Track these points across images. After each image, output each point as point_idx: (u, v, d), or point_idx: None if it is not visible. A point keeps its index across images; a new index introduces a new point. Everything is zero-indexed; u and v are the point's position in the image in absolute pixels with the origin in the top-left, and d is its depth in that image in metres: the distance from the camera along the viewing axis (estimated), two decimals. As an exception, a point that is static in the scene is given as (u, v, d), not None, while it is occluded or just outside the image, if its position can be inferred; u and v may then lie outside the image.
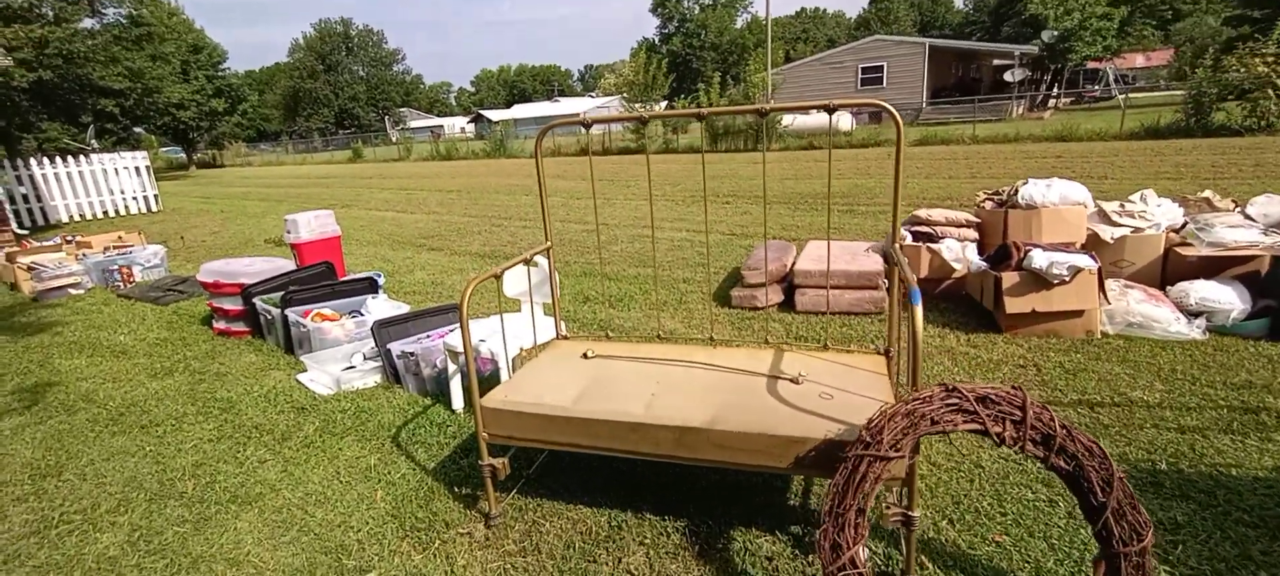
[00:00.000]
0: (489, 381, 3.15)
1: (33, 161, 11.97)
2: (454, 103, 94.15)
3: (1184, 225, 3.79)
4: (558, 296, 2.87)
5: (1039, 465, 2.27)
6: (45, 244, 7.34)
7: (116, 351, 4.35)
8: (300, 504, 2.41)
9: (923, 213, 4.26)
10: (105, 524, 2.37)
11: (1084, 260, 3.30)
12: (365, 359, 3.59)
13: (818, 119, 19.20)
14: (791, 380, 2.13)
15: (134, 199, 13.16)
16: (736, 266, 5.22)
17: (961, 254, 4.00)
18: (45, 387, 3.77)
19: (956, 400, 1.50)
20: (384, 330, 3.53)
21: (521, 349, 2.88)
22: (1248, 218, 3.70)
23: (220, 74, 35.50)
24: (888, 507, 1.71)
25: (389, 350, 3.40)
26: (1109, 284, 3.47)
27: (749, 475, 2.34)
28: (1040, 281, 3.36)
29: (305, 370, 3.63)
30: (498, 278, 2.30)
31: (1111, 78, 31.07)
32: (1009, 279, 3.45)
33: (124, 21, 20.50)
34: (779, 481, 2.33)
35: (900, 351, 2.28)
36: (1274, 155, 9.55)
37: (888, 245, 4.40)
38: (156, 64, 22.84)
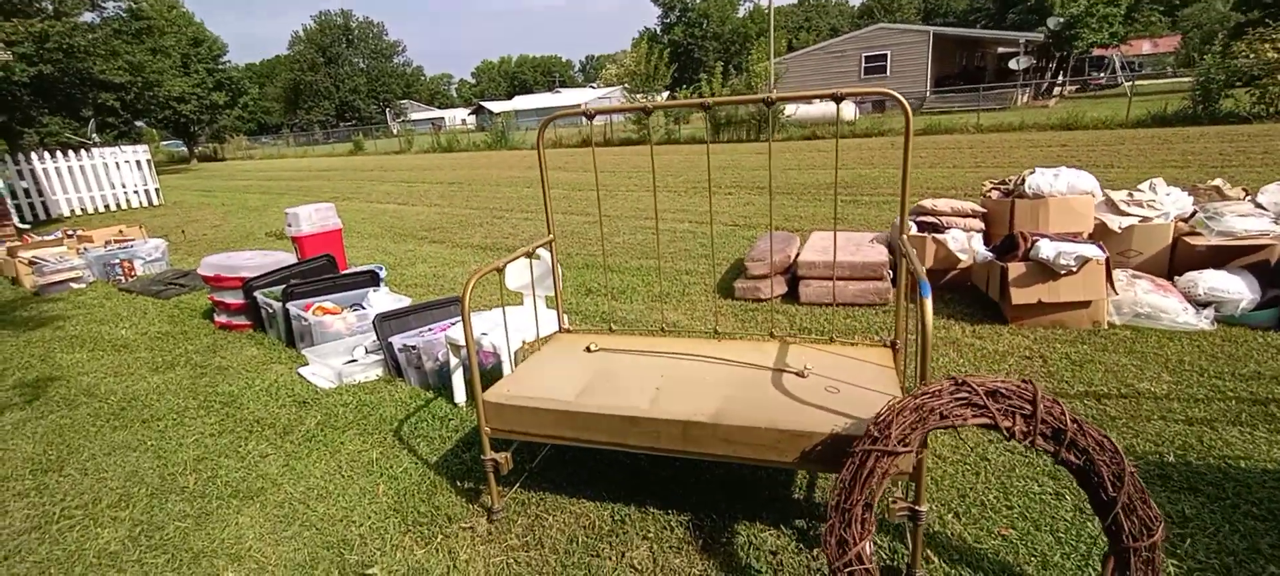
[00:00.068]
0: (491, 375, 3.14)
1: (34, 156, 11.96)
2: (455, 94, 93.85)
3: (1193, 214, 3.74)
4: (560, 289, 2.85)
5: (1045, 458, 2.25)
6: (46, 238, 7.33)
7: (118, 345, 4.35)
8: (302, 498, 2.40)
9: (928, 203, 4.21)
10: (106, 519, 2.37)
11: (1092, 250, 3.26)
12: (367, 352, 3.57)
13: (821, 109, 19.08)
14: (797, 373, 2.10)
15: (135, 193, 13.15)
16: (739, 257, 5.19)
17: (967, 244, 3.96)
18: (47, 382, 3.76)
19: (966, 394, 1.47)
20: (386, 323, 3.51)
21: (524, 342, 2.86)
22: (1258, 206, 3.65)
23: (220, 67, 35.37)
24: (894, 502, 1.69)
25: (391, 343, 3.39)
26: (1116, 274, 3.43)
27: (753, 469, 2.32)
28: (1047, 272, 3.32)
29: (307, 364, 3.62)
30: (500, 271, 2.27)
31: (1118, 65, 30.79)
32: (1015, 269, 3.41)
33: (124, 15, 20.44)
34: (783, 475, 2.31)
35: (907, 344, 2.25)
36: (1282, 143, 9.45)
37: (895, 236, 4.37)
38: (157, 57, 22.77)
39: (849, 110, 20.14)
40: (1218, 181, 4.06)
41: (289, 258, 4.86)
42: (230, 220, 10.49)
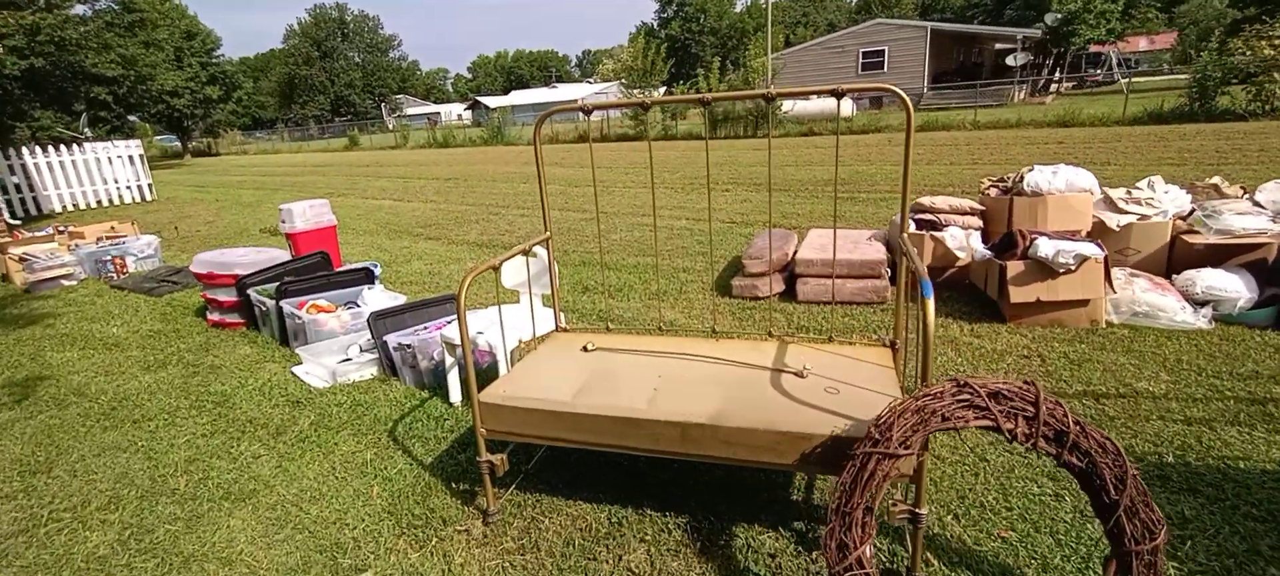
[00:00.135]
0: (487, 374, 3.11)
1: (25, 150, 11.85)
2: (451, 89, 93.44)
3: (1191, 212, 3.73)
4: (557, 287, 2.82)
5: (1045, 459, 2.24)
6: (38, 234, 7.26)
7: (109, 344, 4.30)
8: (295, 500, 2.37)
9: (926, 200, 4.19)
10: (95, 522, 2.33)
11: (1090, 248, 3.25)
12: (361, 351, 3.54)
13: (819, 105, 19.04)
14: (796, 373, 2.08)
15: (128, 188, 13.05)
16: (737, 255, 5.16)
17: (965, 242, 3.95)
18: (36, 381, 3.72)
19: (968, 396, 1.45)
20: (380, 321, 3.48)
21: (520, 341, 2.83)
22: (1256, 204, 3.64)
23: (214, 61, 35.13)
24: (894, 504, 1.67)
25: (386, 342, 3.36)
26: (1115, 272, 3.42)
27: (751, 470, 2.30)
28: (1046, 270, 3.31)
29: (300, 362, 3.59)
30: (496, 269, 2.24)
31: (1114, 61, 30.83)
32: (1014, 267, 3.40)
33: (116, 8, 20.26)
34: (782, 476, 2.29)
35: (908, 344, 2.23)
36: (1279, 140, 9.47)
37: (893, 234, 4.35)
38: (150, 51, 22.59)
39: (846, 106, 20.12)
40: (1216, 179, 4.05)
41: (283, 254, 4.81)
42: (224, 216, 10.42)
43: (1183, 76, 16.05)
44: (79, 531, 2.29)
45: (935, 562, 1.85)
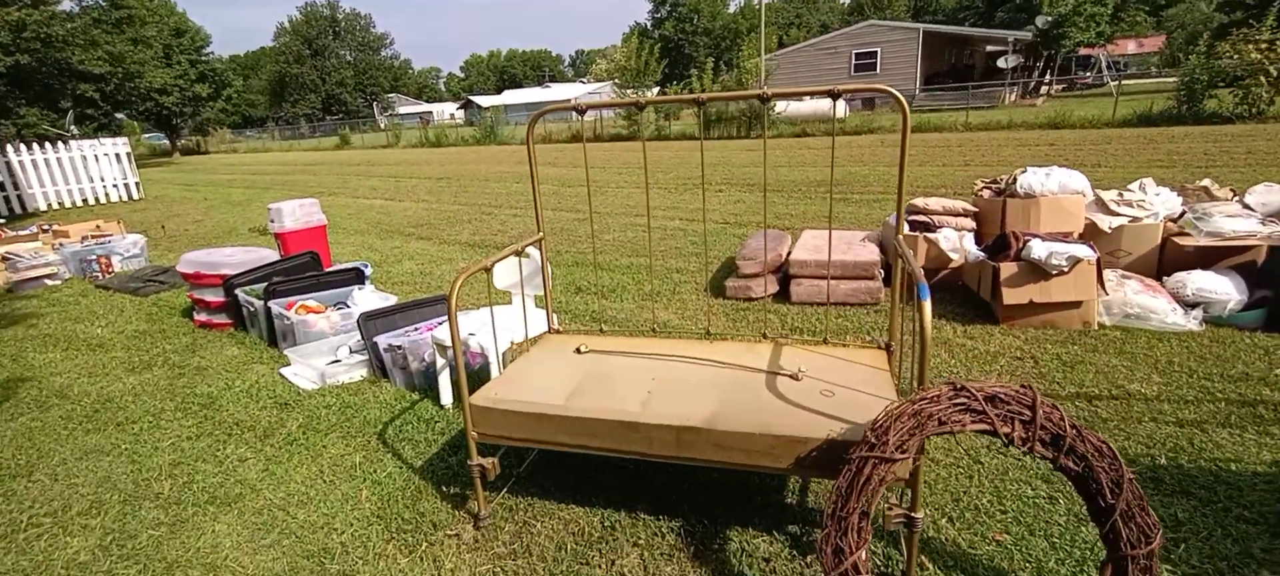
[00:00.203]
0: (479, 376, 3.08)
1: (10, 148, 11.66)
2: (443, 88, 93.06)
3: (1182, 214, 3.75)
4: (550, 288, 2.79)
5: (1039, 461, 2.23)
6: (21, 233, 7.14)
7: (93, 344, 4.23)
8: (282, 504, 2.33)
9: (919, 201, 4.20)
10: (76, 527, 2.28)
11: (1083, 250, 3.26)
12: (351, 352, 3.50)
13: (811, 106, 19.09)
14: (791, 376, 2.06)
15: (114, 186, 12.88)
16: (730, 256, 5.15)
17: (959, 243, 3.95)
18: (17, 383, 3.64)
19: (965, 400, 1.44)
20: (370, 322, 3.44)
21: (512, 342, 2.81)
22: (1246, 207, 3.67)
23: (204, 58, 34.79)
24: (890, 508, 1.66)
25: (376, 343, 3.31)
26: (1107, 274, 3.43)
27: (746, 473, 2.28)
28: (1039, 272, 3.32)
29: (289, 364, 3.54)
30: (488, 270, 2.21)
31: (1104, 64, 31.11)
32: (1007, 269, 3.40)
33: (103, 4, 20.02)
34: (776, 479, 2.27)
35: (902, 346, 2.22)
36: (1265, 143, 9.58)
37: (887, 235, 4.35)
38: (138, 48, 22.31)
39: (839, 107, 20.19)
40: (1206, 182, 4.08)
41: (272, 254, 4.75)
42: (212, 215, 10.30)
43: (1171, 79, 16.22)
44: (59, 536, 2.24)
45: (930, 566, 1.83)
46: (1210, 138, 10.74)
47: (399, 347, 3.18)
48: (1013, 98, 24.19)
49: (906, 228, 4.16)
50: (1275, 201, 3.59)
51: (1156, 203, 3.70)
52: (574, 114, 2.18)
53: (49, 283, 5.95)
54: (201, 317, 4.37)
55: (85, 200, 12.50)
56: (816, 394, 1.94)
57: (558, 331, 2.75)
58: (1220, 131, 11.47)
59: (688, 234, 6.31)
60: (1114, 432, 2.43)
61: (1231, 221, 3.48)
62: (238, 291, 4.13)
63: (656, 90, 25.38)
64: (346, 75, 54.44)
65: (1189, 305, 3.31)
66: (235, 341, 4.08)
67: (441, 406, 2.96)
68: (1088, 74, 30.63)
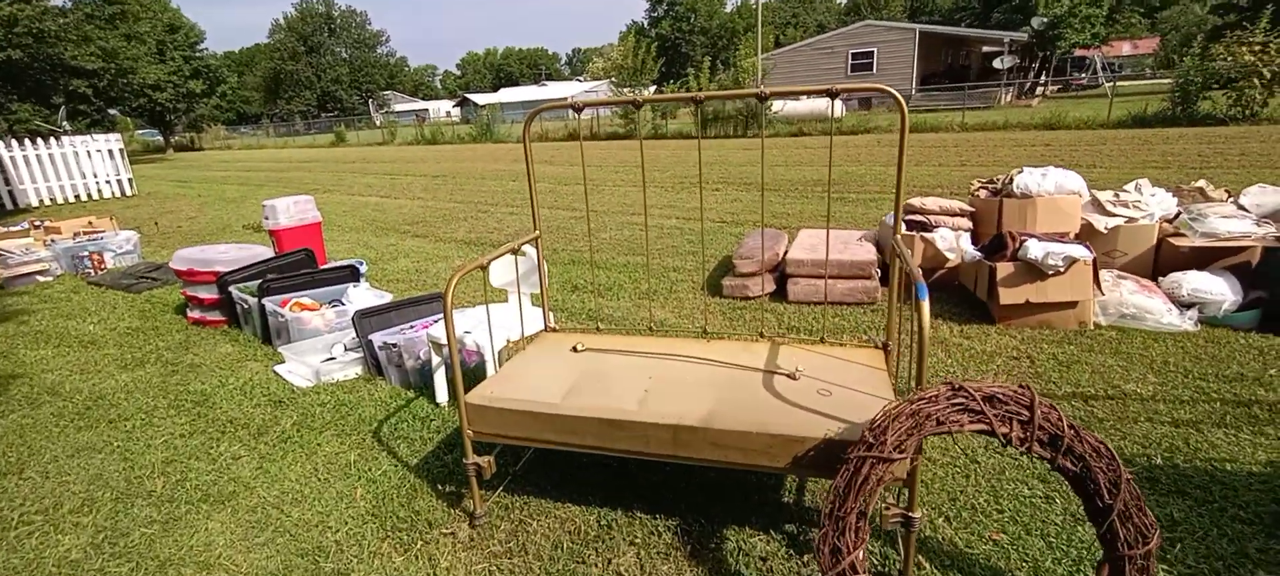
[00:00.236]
0: (474, 374, 3.06)
1: (1, 143, 11.57)
2: (439, 86, 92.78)
3: (1177, 215, 3.77)
4: (546, 286, 2.78)
5: (1036, 461, 2.24)
6: (13, 229, 7.08)
7: (85, 341, 4.19)
8: (276, 503, 2.32)
9: (916, 201, 4.20)
10: (68, 525, 2.26)
11: (1079, 250, 3.26)
12: (346, 350, 3.48)
13: (808, 105, 19.11)
14: (788, 375, 2.06)
15: (107, 182, 12.79)
16: (727, 255, 5.15)
17: (955, 243, 3.96)
18: (8, 380, 3.61)
19: (963, 400, 1.43)
20: (365, 320, 3.42)
21: (508, 341, 2.79)
22: (1241, 208, 3.68)
23: (198, 54, 34.58)
24: (887, 508, 1.66)
25: (371, 341, 3.30)
26: (1102, 275, 3.44)
27: (742, 472, 2.28)
28: (1035, 272, 3.32)
29: (283, 361, 3.51)
30: (484, 268, 2.20)
31: (1099, 66, 31.25)
32: (1004, 269, 3.41)
33: (96, -1, 19.86)
34: (773, 478, 2.27)
35: (899, 345, 2.22)
36: (1258, 144, 9.64)
37: (886, 235, 4.35)
38: (131, 43, 22.17)
39: (835, 107, 20.20)
40: (1201, 183, 4.09)
41: (266, 251, 4.72)
42: (206, 212, 10.24)
43: (1165, 81, 16.29)
44: (51, 534, 2.21)
45: (927, 565, 1.83)
46: (1204, 139, 10.80)
47: (394, 345, 3.16)
48: (1008, 98, 24.27)
49: (903, 227, 4.16)
50: (1270, 202, 3.61)
51: (1152, 203, 3.71)
52: (571, 112, 2.17)
53: (40, 279, 5.90)
54: (195, 315, 4.34)
55: (77, 196, 12.40)
56: (814, 393, 1.94)
57: (554, 330, 2.73)
58: (1214, 133, 11.53)
59: (684, 232, 6.30)
60: (1110, 432, 2.44)
61: (1226, 222, 3.49)
62: (232, 288, 4.11)
63: (653, 89, 25.37)
64: (342, 72, 54.22)
65: (1184, 305, 3.32)
66: (229, 338, 4.05)
67: (437, 404, 2.94)
68: (1083, 75, 30.76)
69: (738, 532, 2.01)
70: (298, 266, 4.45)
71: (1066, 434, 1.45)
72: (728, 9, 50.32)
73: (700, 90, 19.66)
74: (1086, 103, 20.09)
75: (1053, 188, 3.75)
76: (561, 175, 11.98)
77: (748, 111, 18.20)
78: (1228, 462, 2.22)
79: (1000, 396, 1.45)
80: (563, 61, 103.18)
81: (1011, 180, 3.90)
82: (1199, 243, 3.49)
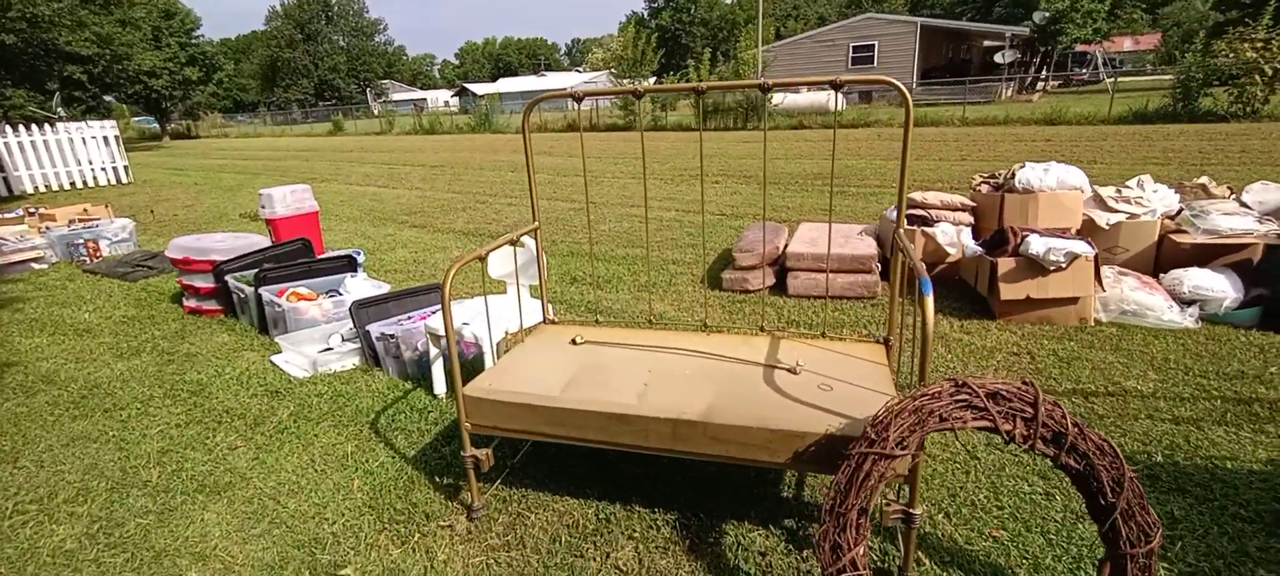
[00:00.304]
0: (472, 365, 3.05)
1: (-6, 129, 11.47)
2: (438, 75, 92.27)
3: (1179, 212, 3.75)
4: (545, 278, 2.76)
5: (1036, 457, 2.23)
6: (7, 216, 7.02)
7: (80, 330, 4.16)
8: (272, 493, 2.30)
9: (918, 195, 4.18)
10: (62, 514, 2.24)
11: (1081, 246, 3.25)
12: (343, 340, 3.45)
13: (809, 98, 19.04)
14: (789, 370, 2.04)
15: (103, 170, 12.70)
16: (726, 248, 5.12)
17: (956, 238, 3.94)
18: (2, 368, 3.58)
19: (966, 396, 1.42)
20: (363, 311, 3.39)
21: (507, 333, 2.77)
22: (1243, 205, 3.67)
23: (194, 41, 34.28)
24: (887, 504, 1.65)
25: (368, 332, 3.27)
26: (1104, 271, 3.43)
27: (742, 466, 2.27)
28: (1036, 267, 3.31)
29: (280, 351, 3.49)
30: (483, 259, 2.18)
31: (1100, 61, 31.16)
32: (1005, 264, 3.39)
33: (91, -17, 19.60)
34: (772, 473, 2.26)
35: (901, 340, 2.20)
36: (1259, 142, 9.62)
37: (887, 229, 4.33)
38: (126, 29, 21.92)
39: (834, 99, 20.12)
40: (1203, 179, 4.08)
41: (263, 240, 4.69)
42: (203, 200, 10.18)
43: (1166, 77, 16.25)
44: (45, 524, 2.20)
45: (927, 562, 1.83)
46: (1205, 136, 10.78)
47: (392, 336, 3.14)
48: (1009, 93, 24.20)
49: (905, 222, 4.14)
50: (1272, 199, 3.59)
51: (1154, 199, 3.70)
52: (570, 103, 2.14)
53: (35, 266, 5.86)
54: (191, 304, 4.31)
55: (72, 183, 12.31)
56: (814, 388, 1.93)
57: (553, 322, 2.71)
58: (1215, 130, 11.51)
59: (684, 225, 6.28)
60: (1110, 429, 2.43)
61: (1228, 219, 3.48)
62: (228, 277, 4.08)
63: (653, 80, 25.24)
64: (339, 60, 53.84)
65: (1185, 302, 3.31)
66: (225, 328, 4.02)
67: (434, 396, 2.93)
68: (1084, 70, 30.69)
69: (736, 527, 2.00)
70: (295, 256, 4.42)
71: (1070, 431, 1.43)
72: (728, 1, 50.03)
73: (701, 82, 19.57)
74: (1087, 98, 20.04)
75: (1055, 183, 3.73)
76: (560, 166, 11.92)
77: (748, 104, 18.12)
78: (1228, 460, 2.21)
79: (1004, 393, 1.44)
80: (562, 52, 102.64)
81: (1013, 175, 3.88)
82: (1201, 239, 3.48)
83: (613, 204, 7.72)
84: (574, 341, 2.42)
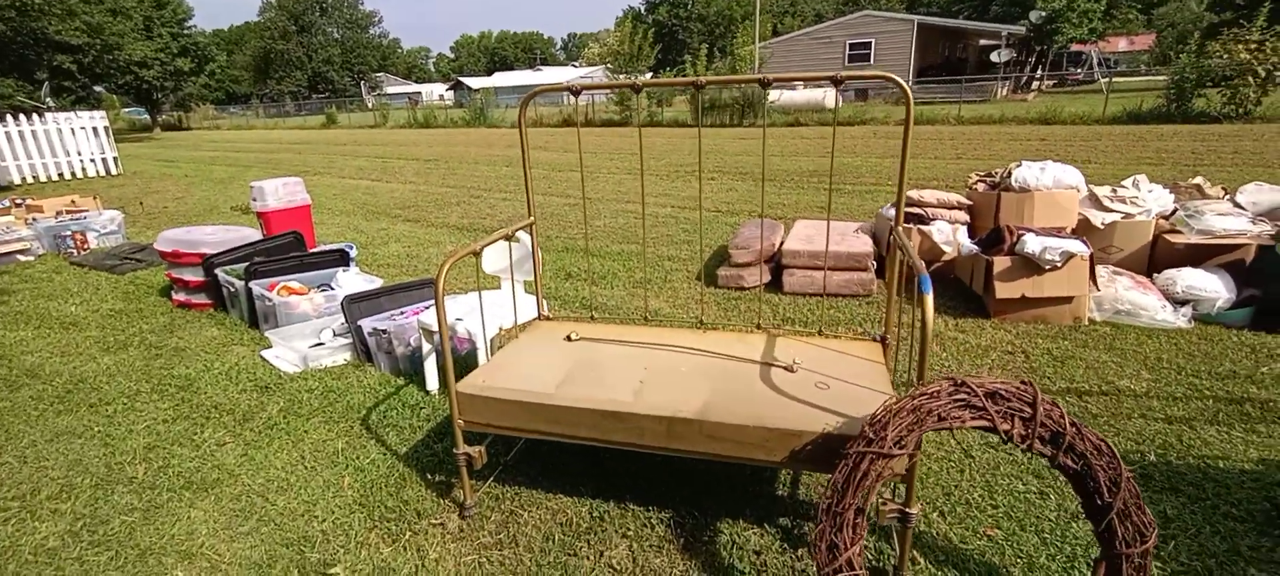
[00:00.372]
0: (466, 361, 3.02)
1: (-19, 118, 11.30)
2: (433, 69, 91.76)
3: (1174, 211, 3.76)
4: (540, 274, 2.73)
5: (1029, 455, 2.22)
6: (-7, 206, 6.92)
7: (66, 323, 4.10)
8: (261, 491, 2.27)
9: (914, 193, 4.17)
10: (45, 511, 2.20)
11: (1077, 245, 3.25)
12: (334, 335, 3.42)
13: (805, 95, 19.03)
14: (785, 367, 2.03)
15: (92, 161, 12.53)
16: (722, 244, 5.11)
17: (952, 236, 3.93)
18: (-13, 361, 3.53)
19: (965, 395, 1.41)
20: (355, 305, 3.36)
21: (501, 329, 2.75)
22: (1237, 205, 3.67)
23: (186, 32, 33.83)
24: (883, 503, 1.63)
25: (360, 327, 3.24)
26: (1098, 270, 3.43)
27: (737, 464, 2.26)
28: (1032, 266, 3.31)
29: (270, 346, 3.45)
30: (477, 254, 2.15)
31: (1095, 61, 31.29)
32: (1000, 263, 3.39)
33: (80, -29, 19.34)
34: (767, 471, 2.25)
35: (898, 339, 2.19)
36: (1251, 143, 9.68)
37: (882, 226, 4.32)
38: (117, 19, 21.66)
39: (831, 97, 20.13)
40: (1198, 180, 4.09)
41: (254, 233, 4.63)
42: (193, 192, 10.07)
43: (1161, 78, 16.32)
44: (27, 521, 2.16)
45: (922, 561, 1.82)
46: (1198, 137, 10.83)
47: (384, 331, 3.11)
48: (1004, 92, 24.26)
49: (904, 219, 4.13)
50: (1266, 200, 3.60)
51: (1149, 199, 3.70)
52: (565, 98, 2.11)
53: (21, 258, 5.78)
54: (180, 297, 4.26)
55: (61, 174, 12.16)
56: (811, 386, 1.91)
57: (548, 318, 2.69)
58: (1208, 131, 11.57)
59: (679, 221, 6.25)
60: (1104, 428, 2.43)
61: (1222, 220, 3.49)
62: (218, 271, 4.03)
63: (649, 76, 25.16)
64: (333, 53, 53.35)
65: (1178, 302, 3.32)
66: (215, 322, 3.98)
67: (427, 392, 2.90)
68: (1079, 70, 30.81)
69: (731, 526, 1.98)
70: (286, 249, 4.37)
71: (1068, 431, 1.42)
72: (725, -4, 49.86)
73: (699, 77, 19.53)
74: (1082, 98, 20.11)
75: (1051, 182, 3.73)
76: (555, 161, 11.87)
77: (744, 100, 18.09)
78: (1220, 460, 2.22)
79: (1003, 392, 1.43)
80: (558, 46, 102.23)
81: (1010, 173, 3.88)
82: (1194, 239, 3.49)
83: (608, 199, 7.68)
84: (569, 338, 2.40)
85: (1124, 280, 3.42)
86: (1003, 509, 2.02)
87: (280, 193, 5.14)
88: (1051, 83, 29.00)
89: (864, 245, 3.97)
